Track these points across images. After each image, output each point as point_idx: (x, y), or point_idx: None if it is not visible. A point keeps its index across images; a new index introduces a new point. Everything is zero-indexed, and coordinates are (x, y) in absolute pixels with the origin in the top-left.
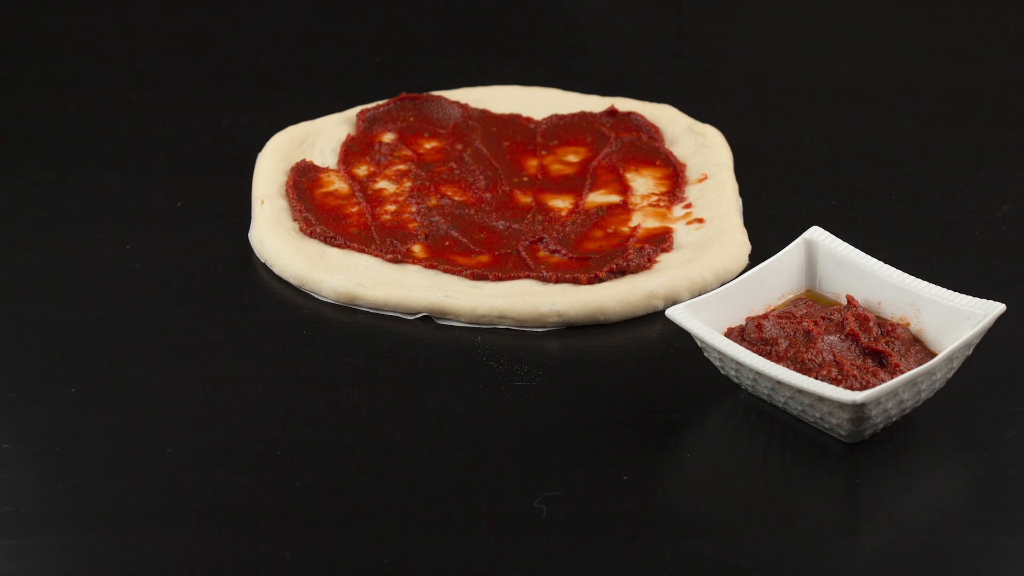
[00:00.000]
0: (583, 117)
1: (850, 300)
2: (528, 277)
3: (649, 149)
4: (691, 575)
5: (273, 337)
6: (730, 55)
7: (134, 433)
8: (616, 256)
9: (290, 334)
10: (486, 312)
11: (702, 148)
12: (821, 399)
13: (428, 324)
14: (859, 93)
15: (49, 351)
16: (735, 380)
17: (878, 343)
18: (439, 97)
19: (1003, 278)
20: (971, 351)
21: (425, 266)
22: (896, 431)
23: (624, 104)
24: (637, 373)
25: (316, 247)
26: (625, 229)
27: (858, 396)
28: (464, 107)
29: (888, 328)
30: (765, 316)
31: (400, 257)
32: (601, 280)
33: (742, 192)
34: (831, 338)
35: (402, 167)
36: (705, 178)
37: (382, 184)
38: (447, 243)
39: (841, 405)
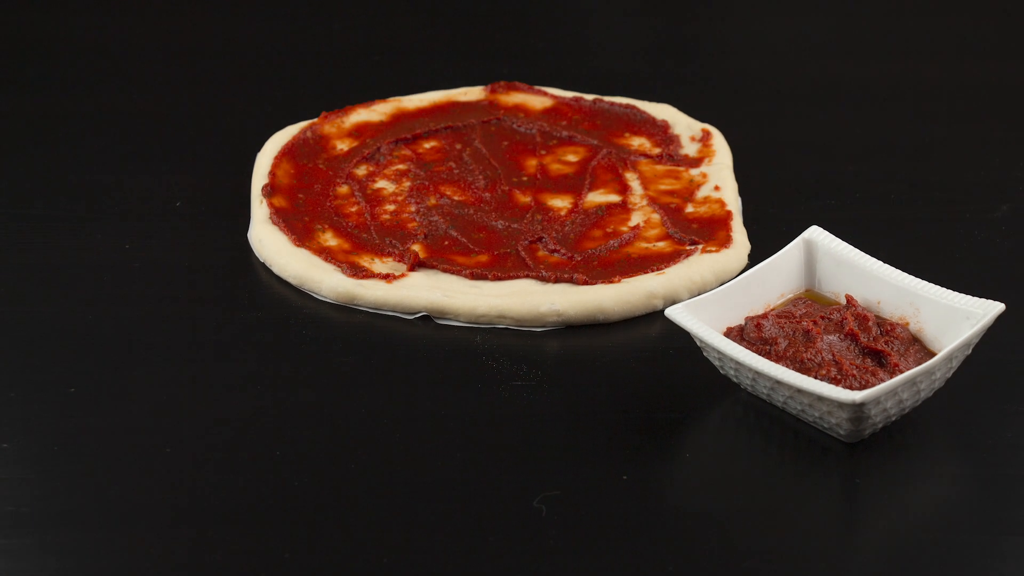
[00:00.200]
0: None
1: (849, 300)
2: (527, 277)
3: (634, 117)
4: (691, 574)
5: (272, 337)
6: (730, 55)
7: (134, 433)
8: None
9: (289, 334)
10: (485, 312)
11: (702, 148)
12: (820, 399)
13: (427, 324)
14: (859, 93)
15: (49, 351)
16: (734, 380)
17: (877, 343)
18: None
19: (1002, 278)
20: (970, 351)
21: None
22: (895, 431)
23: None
24: (636, 373)
25: (315, 246)
26: (624, 228)
27: (857, 396)
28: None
29: (887, 328)
30: (764, 316)
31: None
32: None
33: (742, 192)
34: (830, 338)
35: (401, 167)
36: (705, 178)
37: (381, 184)
38: (446, 243)
39: (840, 405)
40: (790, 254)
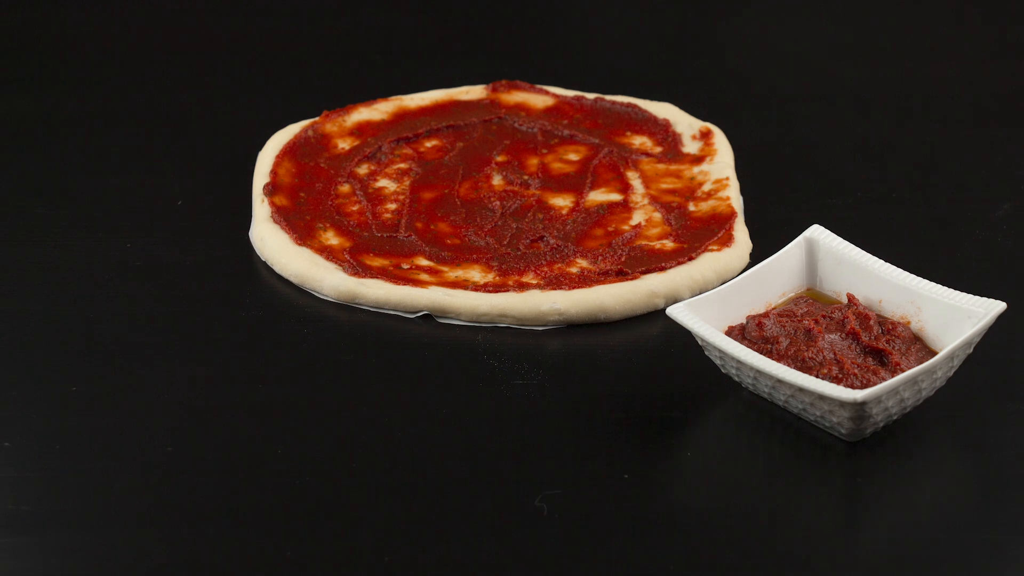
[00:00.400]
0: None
1: (851, 298)
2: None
3: (636, 116)
4: (691, 574)
5: (273, 336)
6: (731, 54)
7: (134, 433)
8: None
9: (290, 332)
10: (487, 310)
11: (704, 146)
12: (822, 397)
13: (429, 322)
14: (859, 93)
15: (49, 351)
16: (736, 378)
17: (879, 341)
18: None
19: (1004, 277)
20: (972, 349)
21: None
22: (897, 430)
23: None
24: (638, 371)
25: (317, 245)
26: (626, 227)
27: (859, 395)
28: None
29: (889, 326)
30: (766, 314)
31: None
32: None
33: (743, 191)
34: (832, 336)
35: (402, 165)
36: (707, 176)
37: (383, 183)
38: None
39: (842, 404)
40: (791, 253)
